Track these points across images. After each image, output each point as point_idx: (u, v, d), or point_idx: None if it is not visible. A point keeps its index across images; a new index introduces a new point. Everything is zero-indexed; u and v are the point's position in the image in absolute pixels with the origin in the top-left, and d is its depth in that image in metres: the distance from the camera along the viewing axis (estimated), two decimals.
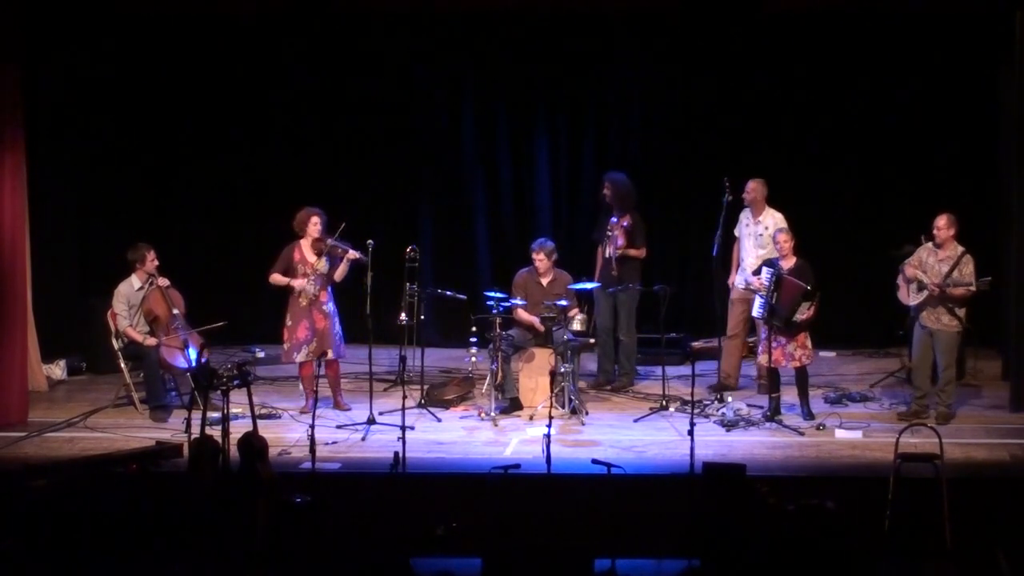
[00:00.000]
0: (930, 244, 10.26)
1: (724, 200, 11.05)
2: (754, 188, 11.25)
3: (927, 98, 12.87)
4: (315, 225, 10.60)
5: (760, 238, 11.16)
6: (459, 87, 13.57)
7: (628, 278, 11.36)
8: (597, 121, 13.52)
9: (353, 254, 10.46)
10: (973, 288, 9.98)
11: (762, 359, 10.47)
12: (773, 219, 11.17)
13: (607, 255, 11.35)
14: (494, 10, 12.06)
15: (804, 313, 10.11)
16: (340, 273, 10.64)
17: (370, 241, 10.47)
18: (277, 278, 10.64)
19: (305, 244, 10.67)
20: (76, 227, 12.87)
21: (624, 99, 13.45)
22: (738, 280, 11.26)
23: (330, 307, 10.71)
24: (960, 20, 12.06)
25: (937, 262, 10.13)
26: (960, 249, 10.10)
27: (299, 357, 10.64)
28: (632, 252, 11.42)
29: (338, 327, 10.76)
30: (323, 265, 10.62)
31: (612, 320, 11.49)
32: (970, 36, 12.21)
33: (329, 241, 10.52)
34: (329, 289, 10.72)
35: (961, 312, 10.08)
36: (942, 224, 10.10)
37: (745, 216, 11.35)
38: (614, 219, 11.34)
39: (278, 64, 13.25)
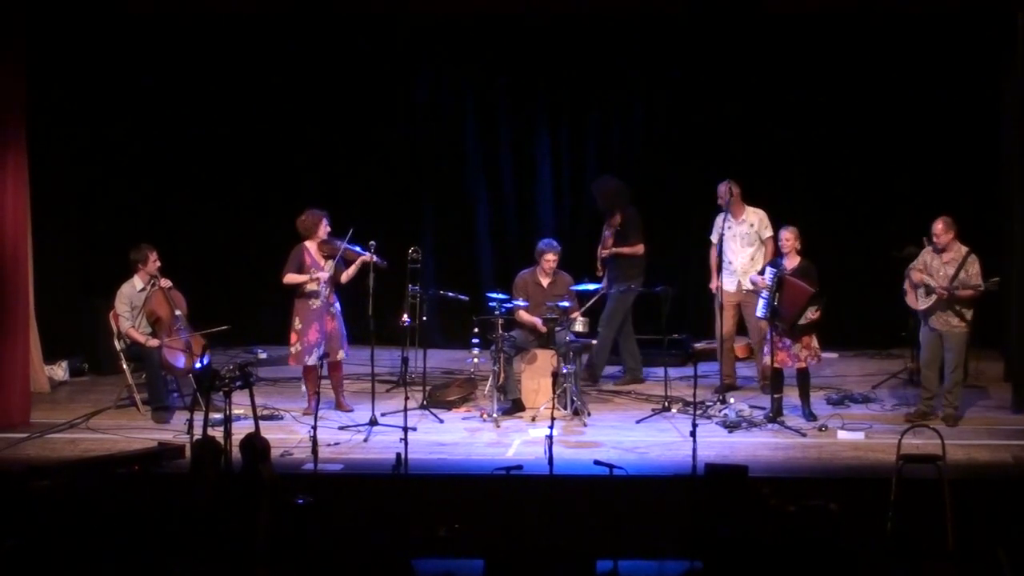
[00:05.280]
0: (932, 247, 10.26)
1: (726, 201, 11.05)
2: (725, 191, 11.26)
3: (928, 98, 12.87)
4: (325, 228, 10.61)
5: (747, 236, 11.19)
6: (461, 88, 13.59)
7: (626, 277, 11.43)
8: (599, 122, 13.54)
9: (367, 256, 10.45)
10: (982, 288, 9.97)
11: (766, 360, 10.45)
12: (757, 215, 11.22)
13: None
14: (495, 11, 12.06)
15: (809, 316, 10.09)
16: (348, 276, 10.63)
17: (372, 242, 10.48)
18: (294, 277, 10.60)
19: (312, 246, 10.66)
20: (78, 228, 12.88)
21: (626, 100, 13.46)
22: (726, 283, 11.23)
23: (338, 307, 10.73)
24: (961, 20, 12.06)
25: (942, 264, 10.10)
26: (964, 250, 10.08)
27: (311, 360, 10.62)
28: (625, 250, 11.49)
29: (343, 326, 10.76)
30: (331, 267, 10.61)
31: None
32: (971, 36, 12.21)
33: (343, 245, 10.51)
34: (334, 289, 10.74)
35: (969, 314, 10.06)
36: (939, 229, 10.08)
37: (724, 219, 11.35)
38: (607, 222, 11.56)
39: (280, 65, 13.26)
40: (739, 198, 11.21)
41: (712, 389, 11.24)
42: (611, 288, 11.43)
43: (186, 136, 13.39)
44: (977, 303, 10.08)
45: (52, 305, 11.99)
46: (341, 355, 10.69)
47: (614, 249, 11.55)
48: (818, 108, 13.04)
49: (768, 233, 11.23)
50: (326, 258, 10.62)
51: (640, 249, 11.60)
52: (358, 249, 10.54)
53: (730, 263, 11.18)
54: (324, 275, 10.53)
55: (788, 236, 10.39)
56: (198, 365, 10.51)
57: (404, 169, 13.64)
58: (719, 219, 11.39)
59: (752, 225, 11.20)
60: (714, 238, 11.45)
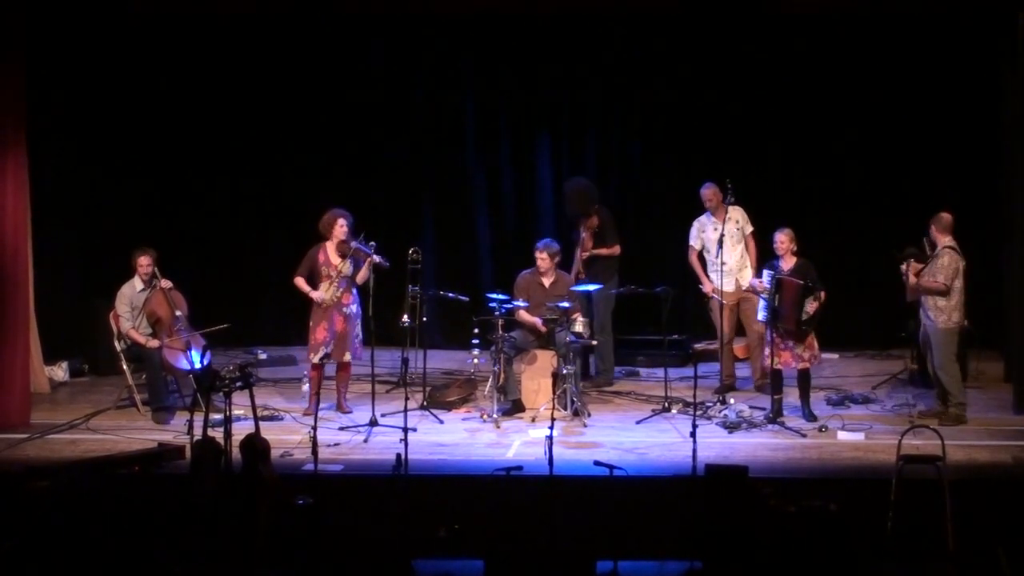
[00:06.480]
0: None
1: (726, 202, 11.05)
2: (713, 194, 11.29)
3: (929, 98, 12.88)
4: (341, 227, 10.57)
5: (736, 234, 11.22)
6: (461, 89, 13.59)
7: (605, 278, 11.45)
8: (598, 122, 13.55)
9: (375, 258, 10.43)
10: (940, 280, 9.97)
11: (766, 362, 10.43)
12: (738, 211, 11.27)
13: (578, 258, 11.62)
14: (496, 12, 12.08)
15: (808, 311, 10.07)
16: (362, 276, 10.58)
17: (372, 243, 10.47)
18: (301, 284, 10.60)
19: (330, 246, 10.64)
20: (79, 228, 12.87)
21: (626, 100, 13.46)
22: (723, 283, 11.21)
23: (352, 309, 10.67)
24: (961, 20, 12.06)
25: (931, 258, 10.22)
26: (947, 246, 10.11)
27: (315, 358, 10.61)
28: (603, 251, 11.52)
29: (359, 329, 10.71)
30: (347, 268, 10.59)
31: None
32: (972, 37, 12.22)
33: (352, 244, 10.50)
34: (354, 291, 10.68)
35: (947, 308, 10.03)
36: (930, 223, 10.21)
37: (707, 221, 11.37)
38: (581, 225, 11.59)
39: (281, 66, 13.27)
40: (720, 200, 11.20)
41: (712, 390, 11.24)
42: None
43: (186, 136, 13.39)
44: (953, 298, 10.01)
45: (52, 305, 11.99)
46: (347, 357, 10.66)
47: (593, 251, 11.59)
48: (818, 108, 13.04)
49: (750, 228, 11.32)
50: (342, 257, 10.61)
51: (617, 250, 11.66)
52: (366, 249, 10.52)
53: (724, 263, 11.16)
54: (322, 295, 10.50)
55: (783, 238, 10.37)
56: (194, 362, 10.48)
57: (404, 169, 13.64)
58: (703, 220, 11.40)
59: (737, 222, 11.23)
60: (695, 244, 11.47)
